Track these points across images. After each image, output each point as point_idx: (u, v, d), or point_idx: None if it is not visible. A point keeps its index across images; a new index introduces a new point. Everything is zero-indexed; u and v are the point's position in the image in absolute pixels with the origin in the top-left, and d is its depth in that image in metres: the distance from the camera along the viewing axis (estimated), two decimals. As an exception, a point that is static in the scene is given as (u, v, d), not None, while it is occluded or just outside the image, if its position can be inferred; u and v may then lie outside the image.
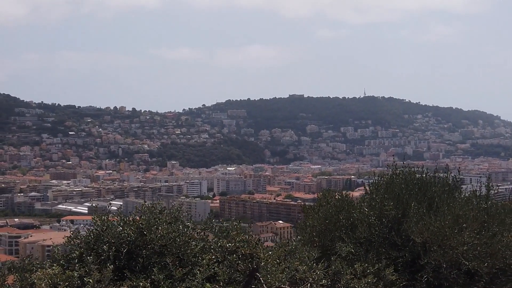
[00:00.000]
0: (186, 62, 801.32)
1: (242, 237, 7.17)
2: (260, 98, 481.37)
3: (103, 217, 7.33)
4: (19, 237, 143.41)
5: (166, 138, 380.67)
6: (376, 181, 10.79)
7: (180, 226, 7.48)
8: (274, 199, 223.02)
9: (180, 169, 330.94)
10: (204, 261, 6.66)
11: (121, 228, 7.08)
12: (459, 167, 12.43)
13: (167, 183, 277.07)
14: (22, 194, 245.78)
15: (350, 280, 7.27)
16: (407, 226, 9.25)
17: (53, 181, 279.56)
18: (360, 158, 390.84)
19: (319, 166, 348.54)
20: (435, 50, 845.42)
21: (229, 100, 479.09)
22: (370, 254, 8.43)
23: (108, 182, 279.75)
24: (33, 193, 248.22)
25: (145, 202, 7.77)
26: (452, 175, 10.88)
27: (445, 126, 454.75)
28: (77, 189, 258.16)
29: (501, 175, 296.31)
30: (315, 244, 9.53)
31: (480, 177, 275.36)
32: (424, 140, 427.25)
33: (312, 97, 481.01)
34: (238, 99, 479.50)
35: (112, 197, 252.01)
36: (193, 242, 7.27)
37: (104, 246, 6.72)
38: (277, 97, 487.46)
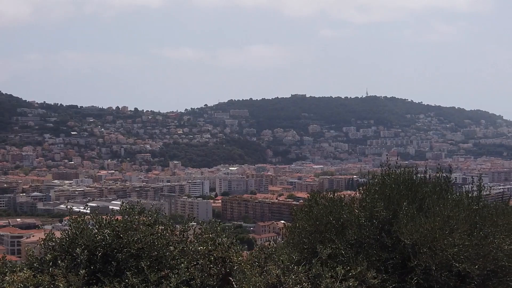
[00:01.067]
0: (188, 62, 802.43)
1: (215, 240, 7.03)
2: (262, 98, 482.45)
3: (78, 219, 7.18)
4: (21, 237, 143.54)
5: (168, 138, 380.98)
6: (367, 182, 10.76)
7: (159, 229, 7.36)
8: (276, 199, 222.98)
9: (182, 169, 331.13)
10: (182, 265, 6.47)
11: (96, 231, 6.94)
12: (451, 167, 12.32)
13: (169, 183, 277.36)
14: (24, 194, 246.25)
15: (331, 284, 7.10)
16: (397, 228, 9.19)
17: (55, 181, 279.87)
18: (362, 158, 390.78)
19: (321, 166, 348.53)
20: (438, 49, 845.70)
21: (231, 100, 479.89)
22: (359, 256, 8.39)
23: (110, 182, 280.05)
24: (35, 193, 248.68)
25: (123, 203, 7.61)
26: (444, 175, 10.76)
27: (448, 126, 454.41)
28: (79, 189, 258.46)
29: (504, 175, 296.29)
30: (304, 246, 9.50)
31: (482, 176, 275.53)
32: (427, 140, 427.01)
33: (314, 97, 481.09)
34: (240, 99, 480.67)
35: (114, 197, 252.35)
36: (171, 246, 7.10)
37: (78, 249, 6.57)
38: (279, 97, 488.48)
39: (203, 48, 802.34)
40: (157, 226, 7.38)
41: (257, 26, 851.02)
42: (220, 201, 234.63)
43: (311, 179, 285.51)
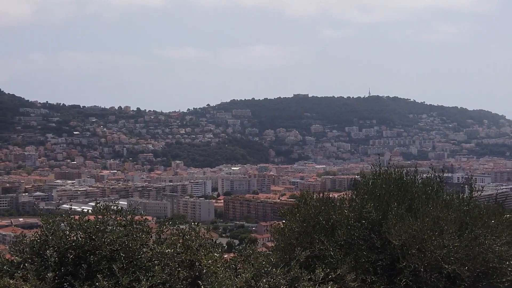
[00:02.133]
0: (190, 62, 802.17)
1: (183, 242, 6.87)
2: (265, 98, 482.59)
3: (50, 220, 7.03)
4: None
5: (171, 138, 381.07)
6: (357, 182, 10.67)
7: (134, 230, 7.18)
8: (279, 198, 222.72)
9: (184, 168, 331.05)
10: (157, 267, 6.32)
11: (67, 232, 6.80)
12: (443, 167, 12.28)
13: (171, 183, 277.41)
14: (26, 194, 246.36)
15: (309, 287, 6.98)
16: (386, 228, 9.10)
17: (58, 181, 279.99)
18: (364, 158, 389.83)
19: (324, 166, 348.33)
20: (440, 49, 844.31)
21: (234, 100, 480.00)
22: (347, 257, 8.30)
23: (113, 182, 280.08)
24: (37, 193, 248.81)
25: (97, 203, 7.46)
26: (437, 175, 10.66)
27: (450, 125, 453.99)
28: (82, 189, 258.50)
29: (506, 175, 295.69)
30: (293, 248, 9.42)
31: (485, 176, 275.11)
32: (429, 140, 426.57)
33: (316, 96, 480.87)
34: (243, 99, 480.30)
35: (116, 196, 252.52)
36: (145, 247, 6.94)
37: (48, 252, 6.41)
38: (282, 96, 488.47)
39: (205, 48, 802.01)
40: (132, 227, 7.19)
41: (259, 26, 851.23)
42: (222, 201, 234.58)
43: (314, 179, 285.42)
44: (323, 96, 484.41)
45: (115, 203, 7.59)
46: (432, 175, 10.70)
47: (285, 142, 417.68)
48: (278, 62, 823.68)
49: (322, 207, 9.75)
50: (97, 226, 6.80)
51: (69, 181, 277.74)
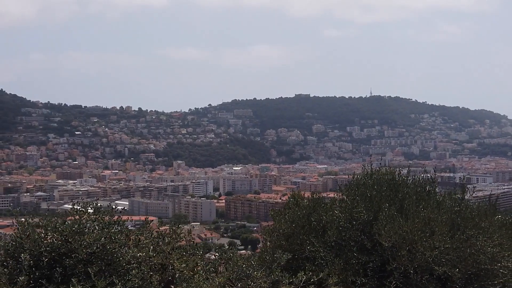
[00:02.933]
0: (192, 62, 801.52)
1: (156, 246, 6.72)
2: (266, 98, 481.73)
3: (24, 222, 6.91)
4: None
5: (172, 138, 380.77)
6: (348, 183, 10.54)
7: (113, 232, 7.01)
8: (280, 198, 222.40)
9: (186, 168, 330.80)
10: (134, 271, 6.18)
11: (43, 235, 6.63)
12: (435, 167, 12.15)
13: (173, 183, 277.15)
14: (28, 194, 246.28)
15: None
16: (376, 230, 8.97)
17: (60, 180, 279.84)
18: (366, 158, 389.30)
19: (325, 166, 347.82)
20: (442, 49, 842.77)
21: (235, 99, 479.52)
22: (336, 259, 8.18)
23: (114, 182, 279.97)
24: (39, 193, 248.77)
25: (74, 204, 7.30)
26: (428, 175, 10.52)
27: (452, 125, 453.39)
28: (83, 189, 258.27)
29: (508, 175, 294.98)
30: (282, 249, 9.29)
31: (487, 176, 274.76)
32: (431, 140, 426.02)
33: (318, 96, 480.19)
34: (244, 99, 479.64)
35: (118, 196, 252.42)
36: (122, 250, 6.73)
37: (23, 255, 6.25)
38: (283, 96, 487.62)
39: (206, 48, 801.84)
40: (112, 228, 7.02)
41: (261, 26, 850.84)
42: (223, 201, 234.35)
43: (315, 179, 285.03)
44: (325, 96, 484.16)
45: (94, 203, 7.43)
46: (425, 176, 10.57)
47: (287, 142, 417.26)
48: (279, 62, 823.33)
49: (313, 208, 9.65)
50: (74, 229, 6.66)
51: (71, 181, 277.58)
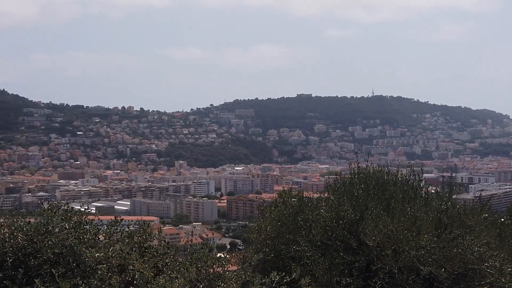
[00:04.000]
0: (194, 62, 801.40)
1: (115, 246, 6.52)
2: (268, 98, 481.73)
3: None
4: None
5: (174, 138, 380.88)
6: (335, 181, 10.40)
7: (81, 232, 6.86)
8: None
9: (188, 168, 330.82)
10: (100, 272, 6.05)
11: (7, 235, 6.48)
12: (422, 165, 12.00)
13: (174, 183, 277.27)
14: (30, 194, 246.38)
15: None
16: (361, 229, 8.84)
17: (61, 181, 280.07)
18: (368, 158, 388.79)
19: (327, 166, 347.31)
20: (444, 49, 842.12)
21: (237, 99, 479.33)
22: (321, 258, 8.06)
23: (116, 182, 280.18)
24: (41, 193, 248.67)
25: (41, 203, 7.16)
26: (416, 174, 10.34)
27: (454, 125, 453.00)
28: (85, 189, 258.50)
29: (510, 175, 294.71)
30: (267, 248, 9.18)
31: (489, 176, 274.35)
32: (433, 140, 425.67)
33: (320, 96, 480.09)
34: (246, 99, 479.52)
35: (120, 197, 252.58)
36: (88, 251, 6.52)
37: None
38: (285, 96, 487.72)
39: (208, 48, 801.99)
40: (80, 229, 6.89)
41: (263, 25, 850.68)
42: (225, 201, 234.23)
43: (317, 179, 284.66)
44: (327, 96, 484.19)
45: (65, 203, 7.35)
46: (411, 174, 10.41)
47: (289, 142, 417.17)
48: (281, 62, 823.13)
49: (299, 207, 9.52)
50: (39, 228, 6.53)
51: (73, 181, 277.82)
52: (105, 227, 7.51)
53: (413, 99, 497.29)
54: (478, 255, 8.91)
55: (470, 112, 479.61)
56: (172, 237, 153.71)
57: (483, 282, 8.89)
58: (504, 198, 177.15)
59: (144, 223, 7.38)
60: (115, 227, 7.31)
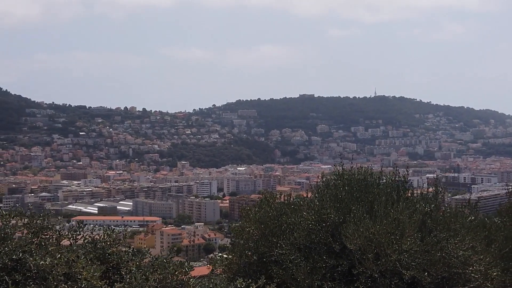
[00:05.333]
0: (196, 62, 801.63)
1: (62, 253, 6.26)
2: (271, 98, 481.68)
3: None
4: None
5: (177, 138, 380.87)
6: (318, 183, 10.25)
7: (41, 237, 6.65)
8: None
9: (190, 169, 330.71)
10: (51, 278, 5.86)
11: None
12: (407, 167, 11.87)
13: (177, 183, 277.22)
14: (32, 194, 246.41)
15: None
16: (343, 232, 8.72)
17: (64, 181, 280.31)
18: (370, 158, 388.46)
19: (330, 166, 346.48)
20: (447, 49, 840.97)
21: (240, 100, 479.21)
22: (303, 263, 7.98)
23: (119, 182, 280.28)
24: (43, 193, 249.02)
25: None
26: (401, 175, 10.17)
27: (457, 125, 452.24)
28: (88, 189, 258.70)
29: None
30: (250, 251, 9.09)
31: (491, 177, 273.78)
32: (435, 140, 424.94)
33: (322, 96, 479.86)
34: (249, 99, 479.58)
35: (122, 197, 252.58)
36: (31, 258, 6.23)
37: None
38: (288, 97, 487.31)
39: (211, 48, 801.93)
40: (41, 234, 6.68)
41: (265, 26, 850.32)
42: (227, 201, 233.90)
43: (319, 179, 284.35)
44: (329, 96, 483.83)
45: (28, 208, 7.16)
46: (396, 175, 10.25)
47: (291, 142, 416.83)
48: (284, 62, 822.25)
49: (282, 209, 9.42)
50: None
51: (75, 182, 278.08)
52: (67, 233, 7.31)
53: (416, 99, 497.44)
54: (463, 259, 8.83)
55: (472, 112, 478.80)
56: (174, 238, 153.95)
57: (467, 286, 8.79)
58: (507, 198, 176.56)
59: (109, 229, 7.11)
60: (77, 232, 7.13)
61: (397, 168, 10.48)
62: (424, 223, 9.19)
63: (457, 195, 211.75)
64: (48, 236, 6.75)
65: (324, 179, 10.30)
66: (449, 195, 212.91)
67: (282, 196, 10.20)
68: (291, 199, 9.88)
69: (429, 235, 8.96)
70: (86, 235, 7.12)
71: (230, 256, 9.33)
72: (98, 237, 7.22)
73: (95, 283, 5.94)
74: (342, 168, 10.23)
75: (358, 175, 10.02)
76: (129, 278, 6.17)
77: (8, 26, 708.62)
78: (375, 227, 8.49)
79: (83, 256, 6.33)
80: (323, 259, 8.63)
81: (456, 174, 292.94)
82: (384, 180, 10.20)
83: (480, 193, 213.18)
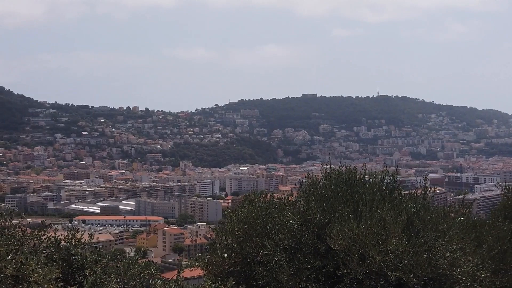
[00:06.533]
0: (199, 62, 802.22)
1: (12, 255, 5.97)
2: (273, 98, 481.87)
3: None
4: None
5: (179, 138, 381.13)
6: (304, 183, 10.08)
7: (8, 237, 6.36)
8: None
9: (192, 168, 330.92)
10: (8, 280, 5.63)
11: None
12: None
13: (179, 183, 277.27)
14: (35, 194, 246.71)
15: None
16: (328, 232, 8.56)
17: (66, 181, 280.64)
18: (373, 158, 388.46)
19: (332, 166, 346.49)
20: (449, 48, 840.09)
21: (242, 100, 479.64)
22: (286, 264, 7.84)
23: (121, 182, 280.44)
24: (46, 193, 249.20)
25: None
26: (390, 175, 9.96)
27: (459, 125, 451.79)
28: (90, 189, 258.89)
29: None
30: (234, 252, 8.95)
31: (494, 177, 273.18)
32: (438, 140, 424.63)
33: (325, 96, 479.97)
34: (251, 99, 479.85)
35: (124, 196, 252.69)
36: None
37: None
38: (290, 96, 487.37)
39: (214, 48, 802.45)
40: (4, 234, 6.49)
41: (268, 25, 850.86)
42: (230, 201, 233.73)
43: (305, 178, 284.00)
44: (332, 96, 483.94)
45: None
46: (384, 175, 10.06)
47: (294, 142, 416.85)
48: (287, 62, 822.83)
49: (267, 209, 9.26)
50: None
51: (78, 181, 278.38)
52: (29, 233, 7.13)
53: (419, 99, 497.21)
54: (451, 260, 8.69)
55: (475, 112, 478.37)
56: (177, 237, 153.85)
57: (454, 288, 8.66)
58: (500, 198, 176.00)
59: (74, 229, 6.98)
60: (41, 233, 6.98)
61: (387, 167, 10.35)
62: (412, 224, 9.05)
63: (460, 195, 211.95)
64: (4, 237, 6.49)
65: (309, 179, 10.11)
66: (452, 194, 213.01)
67: (268, 195, 10.03)
68: (275, 199, 9.70)
69: (417, 235, 8.82)
70: (50, 236, 6.94)
71: (211, 257, 9.22)
72: (63, 238, 7.04)
73: (46, 286, 5.69)
74: (330, 167, 10.08)
75: (343, 174, 9.84)
76: (92, 280, 5.98)
77: (11, 26, 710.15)
78: (360, 228, 8.34)
79: (34, 258, 6.03)
80: (308, 260, 8.50)
81: (458, 174, 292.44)
82: (371, 180, 10.02)
83: (482, 193, 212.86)
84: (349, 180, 9.74)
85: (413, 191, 10.08)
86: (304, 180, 10.08)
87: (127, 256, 7.03)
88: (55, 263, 6.39)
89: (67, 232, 7.02)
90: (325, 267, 8.47)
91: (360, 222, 8.52)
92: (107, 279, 6.03)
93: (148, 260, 7.45)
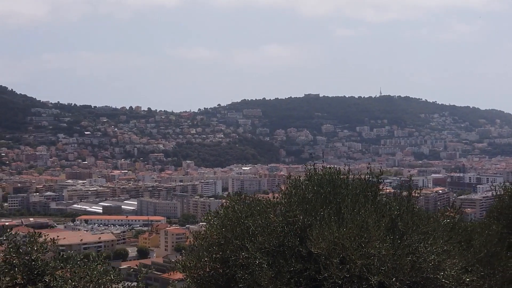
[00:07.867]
0: (202, 62, 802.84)
1: None
2: (276, 98, 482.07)
3: None
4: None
5: (182, 138, 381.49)
6: (286, 183, 9.89)
7: None
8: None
9: (195, 168, 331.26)
10: None
11: None
12: (381, 167, 11.51)
13: (182, 183, 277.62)
14: (37, 193, 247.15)
15: None
16: (309, 235, 8.36)
17: (69, 180, 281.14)
18: (376, 158, 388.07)
19: (335, 166, 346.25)
20: (452, 48, 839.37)
21: (245, 99, 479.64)
22: (267, 267, 7.69)
23: (123, 182, 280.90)
24: (48, 193, 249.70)
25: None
26: (374, 176, 9.73)
27: (462, 125, 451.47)
28: (92, 189, 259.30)
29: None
30: (214, 255, 8.80)
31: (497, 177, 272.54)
32: (441, 140, 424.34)
33: (327, 96, 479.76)
34: (254, 99, 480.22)
35: (127, 196, 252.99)
36: None
37: None
38: (293, 96, 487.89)
39: (217, 48, 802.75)
40: None
41: (271, 25, 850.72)
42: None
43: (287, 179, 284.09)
44: (334, 96, 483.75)
45: None
46: (368, 176, 9.87)
47: (296, 142, 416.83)
48: (289, 61, 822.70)
49: (249, 211, 9.09)
50: None
51: (80, 181, 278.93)
52: None
53: (421, 99, 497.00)
54: (435, 263, 8.51)
55: (478, 112, 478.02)
56: (179, 237, 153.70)
57: (437, 292, 8.47)
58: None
59: (35, 233, 6.79)
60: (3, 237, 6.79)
61: (371, 167, 10.17)
62: (396, 226, 8.86)
63: (462, 195, 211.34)
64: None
65: (292, 180, 9.93)
66: (454, 195, 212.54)
67: (252, 196, 9.87)
68: (256, 201, 9.53)
69: (400, 238, 8.63)
70: (11, 240, 6.80)
71: (188, 260, 9.07)
72: (24, 243, 6.85)
73: None
74: (314, 168, 9.91)
75: (327, 175, 9.65)
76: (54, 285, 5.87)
77: (14, 26, 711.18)
78: (340, 231, 8.16)
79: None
80: (289, 263, 8.33)
81: (461, 174, 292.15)
82: (352, 180, 9.81)
83: (485, 193, 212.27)
84: (332, 181, 9.53)
85: (397, 192, 9.87)
86: (287, 181, 9.89)
87: (91, 260, 6.79)
88: (16, 269, 6.29)
89: (27, 237, 6.83)
90: (306, 270, 8.31)
91: (341, 225, 8.33)
92: (64, 285, 5.94)
93: (113, 266, 7.22)
